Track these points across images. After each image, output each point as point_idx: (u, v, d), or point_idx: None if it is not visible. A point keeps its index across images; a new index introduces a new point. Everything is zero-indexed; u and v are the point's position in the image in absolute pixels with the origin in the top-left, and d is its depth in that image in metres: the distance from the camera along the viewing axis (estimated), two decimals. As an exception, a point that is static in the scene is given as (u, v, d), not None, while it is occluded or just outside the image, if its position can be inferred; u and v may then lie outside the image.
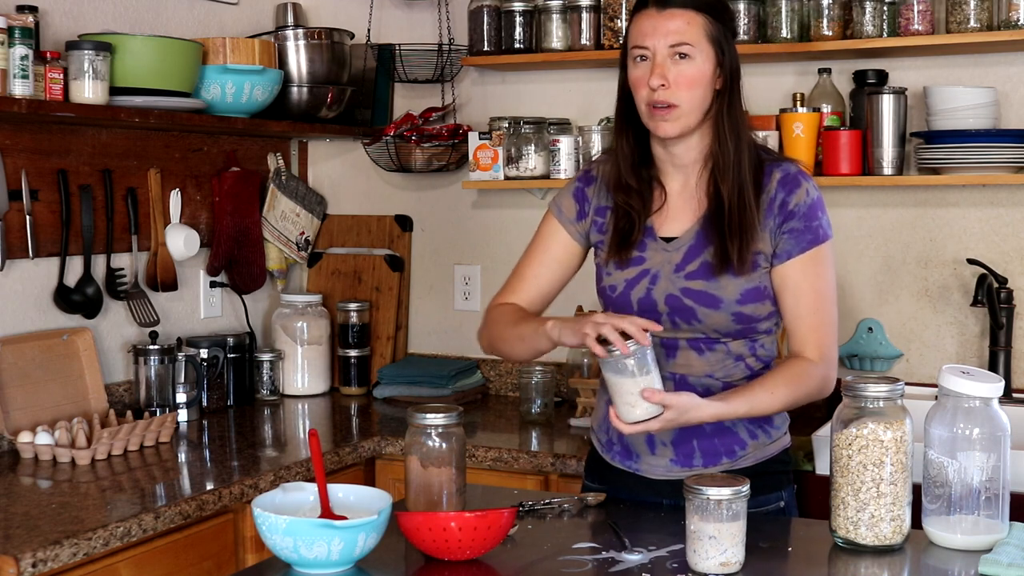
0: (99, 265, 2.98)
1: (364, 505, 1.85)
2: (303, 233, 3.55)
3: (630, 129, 2.12)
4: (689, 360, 2.08)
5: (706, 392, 2.04)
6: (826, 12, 2.89)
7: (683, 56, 2.01)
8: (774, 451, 2.13)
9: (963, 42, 2.77)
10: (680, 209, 2.12)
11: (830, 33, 2.90)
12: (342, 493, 1.88)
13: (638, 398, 1.90)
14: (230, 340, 3.23)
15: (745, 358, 2.09)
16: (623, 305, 2.11)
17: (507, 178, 3.22)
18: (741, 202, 2.03)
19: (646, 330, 1.89)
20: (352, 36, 3.40)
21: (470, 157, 3.27)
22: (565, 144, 3.14)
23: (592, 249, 2.22)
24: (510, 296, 2.22)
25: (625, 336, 1.88)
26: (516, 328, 2.13)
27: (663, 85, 2.01)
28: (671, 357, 2.09)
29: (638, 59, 2.05)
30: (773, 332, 2.13)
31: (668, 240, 2.10)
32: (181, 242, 3.13)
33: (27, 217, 2.77)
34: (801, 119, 2.89)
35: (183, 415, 3.01)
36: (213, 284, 3.33)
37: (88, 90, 2.65)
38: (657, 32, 2.02)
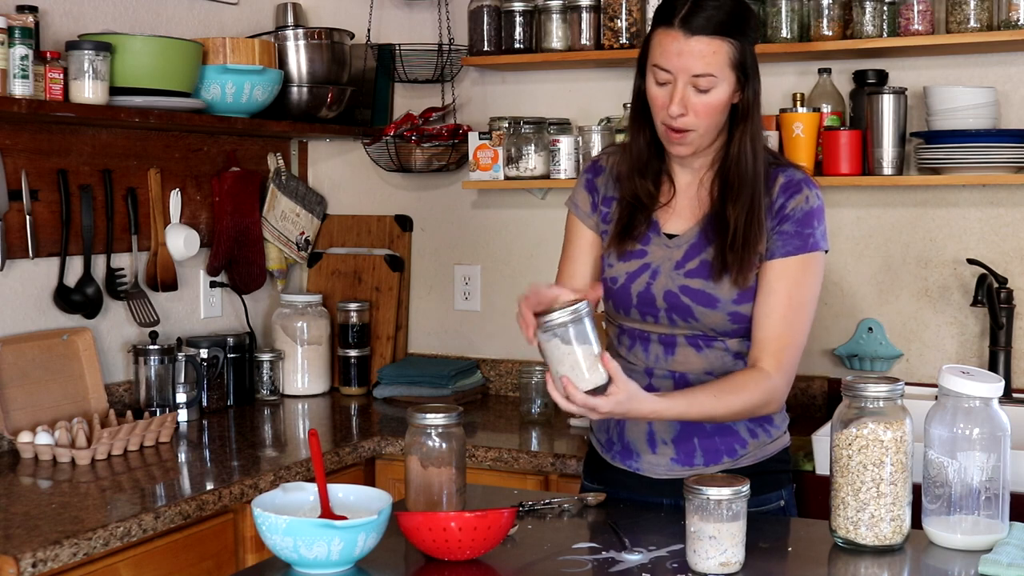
0: (99, 265, 2.98)
1: (364, 505, 1.85)
2: (303, 233, 3.55)
3: (645, 128, 2.11)
4: (687, 357, 2.09)
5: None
6: (826, 12, 2.89)
7: (704, 88, 1.99)
8: (774, 450, 2.14)
9: (963, 42, 2.77)
10: (685, 206, 2.12)
11: (830, 33, 2.90)
12: (342, 493, 1.88)
13: (592, 363, 1.83)
14: (230, 340, 3.23)
15: (743, 355, 2.09)
16: (623, 297, 2.11)
17: (507, 178, 3.22)
18: (748, 228, 2.02)
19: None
20: (352, 36, 3.40)
21: (470, 157, 3.26)
22: (565, 144, 3.14)
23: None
24: None
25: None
26: None
27: (682, 114, 1.99)
28: (669, 354, 2.09)
29: (658, 79, 2.02)
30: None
31: (671, 236, 2.11)
32: (181, 242, 3.12)
33: (27, 217, 2.77)
34: (801, 119, 2.89)
35: (183, 415, 3.01)
36: (213, 284, 3.33)
37: (88, 90, 2.65)
38: (681, 59, 1.97)
